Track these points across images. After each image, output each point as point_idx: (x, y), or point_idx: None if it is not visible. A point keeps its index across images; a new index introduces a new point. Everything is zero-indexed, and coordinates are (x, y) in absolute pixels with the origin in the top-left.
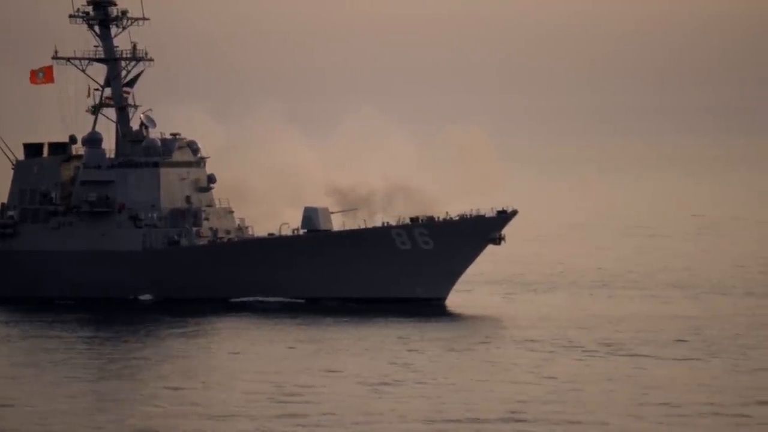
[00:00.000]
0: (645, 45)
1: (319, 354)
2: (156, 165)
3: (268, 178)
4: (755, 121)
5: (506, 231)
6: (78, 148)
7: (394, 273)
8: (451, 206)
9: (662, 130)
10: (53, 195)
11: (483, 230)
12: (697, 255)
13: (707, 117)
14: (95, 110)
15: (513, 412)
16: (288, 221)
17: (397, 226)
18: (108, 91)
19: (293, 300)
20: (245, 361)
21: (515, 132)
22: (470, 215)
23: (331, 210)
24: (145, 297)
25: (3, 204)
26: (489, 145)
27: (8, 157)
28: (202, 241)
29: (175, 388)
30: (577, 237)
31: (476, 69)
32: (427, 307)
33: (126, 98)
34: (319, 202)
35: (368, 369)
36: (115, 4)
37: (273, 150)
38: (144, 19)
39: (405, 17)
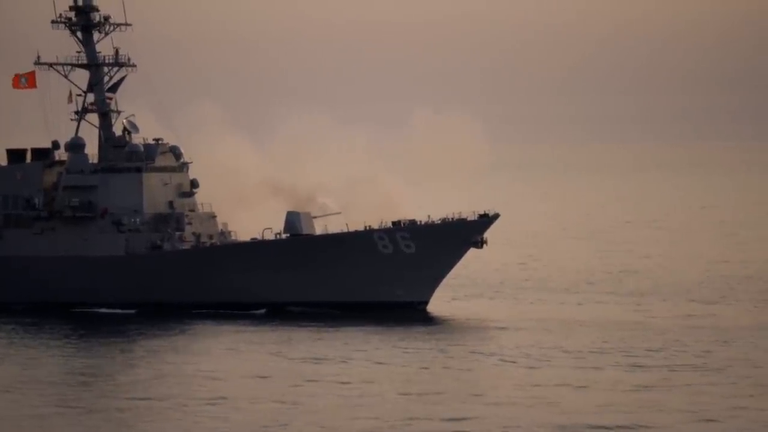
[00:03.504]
0: (621, 51)
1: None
2: (139, 170)
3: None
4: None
5: (488, 234)
6: (61, 154)
7: (376, 277)
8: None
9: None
10: (36, 200)
11: (465, 234)
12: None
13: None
14: (79, 114)
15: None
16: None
17: (379, 230)
18: (91, 97)
19: (276, 303)
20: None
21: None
22: (452, 218)
23: (313, 215)
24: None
25: None
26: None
27: None
28: (185, 246)
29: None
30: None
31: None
32: (409, 311)
33: (108, 104)
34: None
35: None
36: (98, 10)
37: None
38: (126, 24)
39: (405, 24)
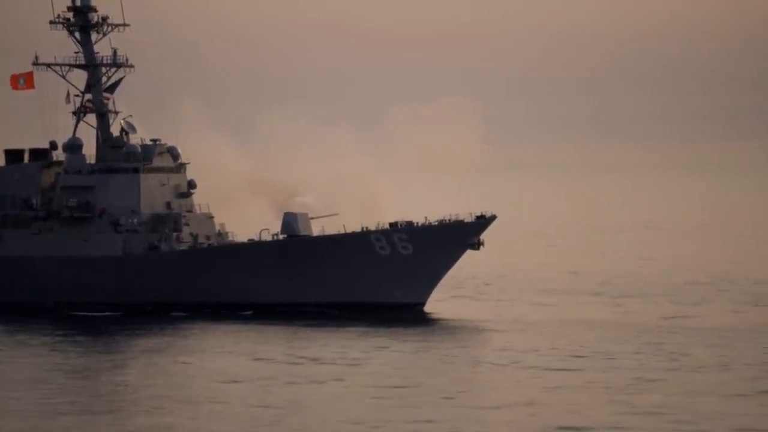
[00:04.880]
0: (638, 53)
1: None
2: (136, 171)
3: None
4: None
5: (485, 236)
6: (59, 154)
7: (373, 278)
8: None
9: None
10: (34, 201)
11: (462, 235)
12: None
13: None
14: (77, 114)
15: None
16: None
17: (376, 231)
18: (88, 96)
19: (273, 304)
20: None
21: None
22: (449, 220)
23: (310, 216)
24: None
25: None
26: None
27: None
28: (183, 247)
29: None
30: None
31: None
32: (406, 312)
33: (106, 104)
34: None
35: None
36: (96, 11)
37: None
38: (124, 25)
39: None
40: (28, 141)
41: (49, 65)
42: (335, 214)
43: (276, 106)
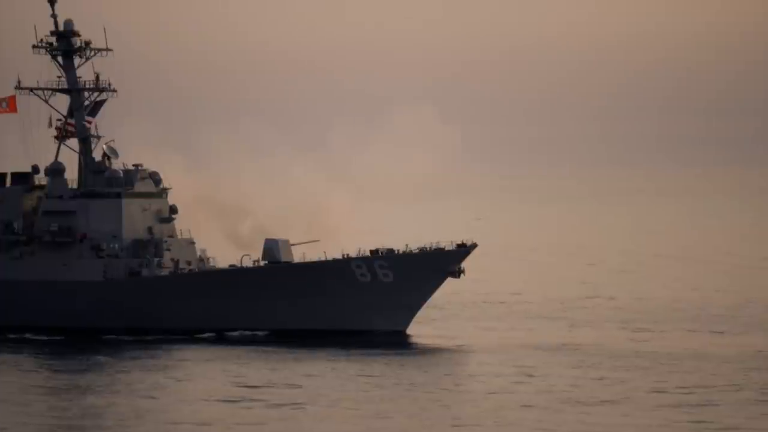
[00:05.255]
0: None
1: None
2: (118, 195)
3: None
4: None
5: (466, 264)
6: (41, 178)
7: (354, 305)
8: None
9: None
10: (15, 225)
11: (442, 263)
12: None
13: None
14: (60, 137)
15: None
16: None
17: (357, 258)
18: (71, 121)
19: (254, 332)
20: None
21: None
22: (430, 248)
23: (291, 242)
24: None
25: None
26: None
27: None
28: (164, 272)
29: None
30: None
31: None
32: (388, 339)
33: (89, 129)
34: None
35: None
36: (79, 35)
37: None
38: (107, 49)
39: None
40: (10, 165)
41: (31, 89)
42: (316, 241)
43: (223, 125)
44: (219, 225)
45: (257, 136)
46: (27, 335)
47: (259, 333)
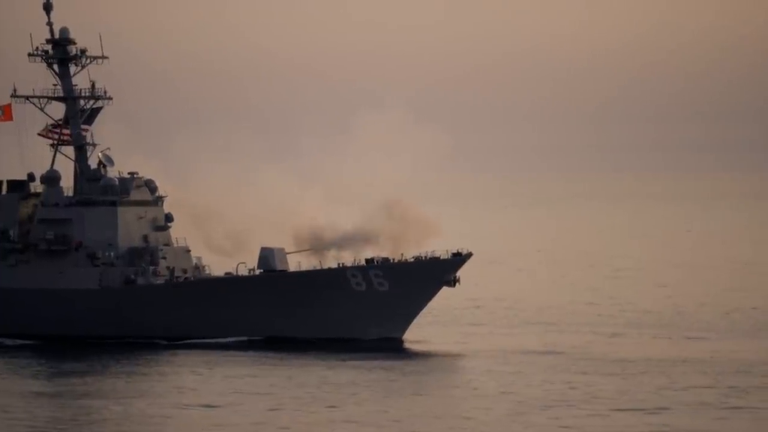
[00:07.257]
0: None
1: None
2: (114, 204)
3: None
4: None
5: (461, 273)
6: (36, 186)
7: (349, 314)
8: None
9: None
10: (11, 233)
11: (438, 272)
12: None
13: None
14: (55, 146)
15: None
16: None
17: (353, 267)
18: (66, 130)
19: (250, 339)
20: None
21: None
22: (425, 257)
23: (287, 251)
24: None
25: None
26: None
27: None
28: (159, 280)
29: None
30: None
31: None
32: (382, 347)
33: (84, 137)
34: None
35: None
36: (75, 43)
37: None
38: (103, 57)
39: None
40: (5, 172)
41: (27, 97)
42: (311, 250)
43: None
44: (194, 231)
45: (228, 140)
46: (5, 342)
47: (254, 340)
